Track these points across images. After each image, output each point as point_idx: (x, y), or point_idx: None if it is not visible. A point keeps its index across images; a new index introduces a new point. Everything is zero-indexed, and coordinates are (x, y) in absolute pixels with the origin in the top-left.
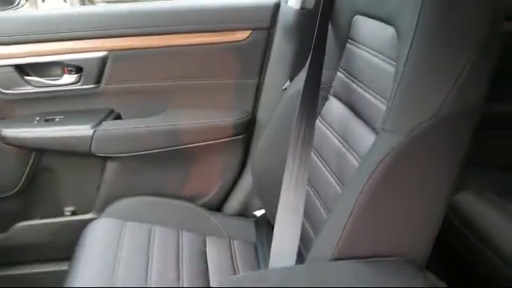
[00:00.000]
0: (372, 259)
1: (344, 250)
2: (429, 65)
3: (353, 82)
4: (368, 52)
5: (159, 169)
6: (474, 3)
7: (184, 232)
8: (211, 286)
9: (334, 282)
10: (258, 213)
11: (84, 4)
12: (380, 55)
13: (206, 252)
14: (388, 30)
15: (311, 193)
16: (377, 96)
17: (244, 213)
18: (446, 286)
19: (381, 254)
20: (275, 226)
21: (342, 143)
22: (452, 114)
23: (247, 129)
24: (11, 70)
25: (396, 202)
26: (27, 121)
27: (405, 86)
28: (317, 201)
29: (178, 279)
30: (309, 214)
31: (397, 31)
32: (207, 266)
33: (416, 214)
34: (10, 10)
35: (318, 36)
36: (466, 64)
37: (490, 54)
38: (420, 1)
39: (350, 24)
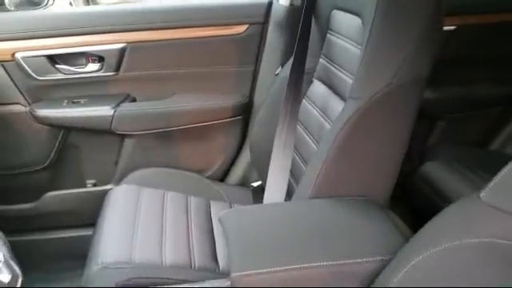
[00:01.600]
0: (341, 198)
1: (319, 191)
2: (383, 45)
3: (331, 65)
4: (342, 40)
5: (169, 145)
6: None
7: (192, 197)
8: (215, 237)
9: (308, 214)
10: (255, 184)
11: (88, 5)
12: (350, 41)
13: (210, 212)
14: (356, 21)
15: (295, 154)
16: (347, 74)
17: (243, 183)
18: (405, 225)
19: (349, 194)
20: (268, 178)
21: (321, 115)
22: (403, 84)
23: (245, 110)
24: (44, 59)
25: (359, 153)
26: (57, 103)
27: (365, 63)
28: (299, 160)
29: (188, 233)
30: (293, 169)
31: (362, 21)
32: (212, 223)
33: (376, 163)
34: (42, 9)
35: (303, 29)
36: (413, 43)
37: (433, 35)
38: None
39: (329, 17)
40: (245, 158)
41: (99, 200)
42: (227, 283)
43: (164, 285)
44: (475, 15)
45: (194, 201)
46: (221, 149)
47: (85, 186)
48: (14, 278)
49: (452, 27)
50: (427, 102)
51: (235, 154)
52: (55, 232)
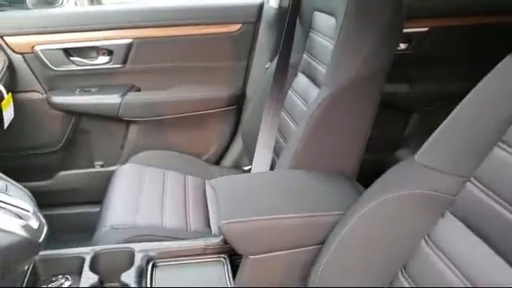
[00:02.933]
0: (314, 169)
1: (296, 163)
2: (351, 40)
3: (312, 59)
4: (321, 37)
5: (170, 130)
6: None
7: (189, 176)
8: (209, 209)
9: (285, 180)
10: (246, 168)
11: (93, 4)
12: (327, 38)
13: (205, 190)
14: (332, 20)
15: (279, 136)
16: (323, 66)
17: (236, 167)
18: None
19: (322, 165)
20: (255, 154)
21: (302, 102)
22: (367, 73)
23: (238, 101)
24: (60, 52)
25: (330, 131)
26: (70, 91)
27: (336, 55)
28: (282, 140)
29: (185, 204)
30: (277, 147)
31: (336, 20)
32: (206, 198)
33: (344, 139)
34: (58, 8)
35: (288, 28)
36: (376, 40)
37: (393, 33)
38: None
39: (311, 18)
40: (238, 144)
41: (106, 180)
42: (218, 239)
43: (163, 241)
44: (446, 18)
45: (191, 179)
46: (216, 135)
47: (93, 166)
48: (41, 226)
49: (425, 29)
50: (403, 96)
51: (229, 140)
52: (66, 208)
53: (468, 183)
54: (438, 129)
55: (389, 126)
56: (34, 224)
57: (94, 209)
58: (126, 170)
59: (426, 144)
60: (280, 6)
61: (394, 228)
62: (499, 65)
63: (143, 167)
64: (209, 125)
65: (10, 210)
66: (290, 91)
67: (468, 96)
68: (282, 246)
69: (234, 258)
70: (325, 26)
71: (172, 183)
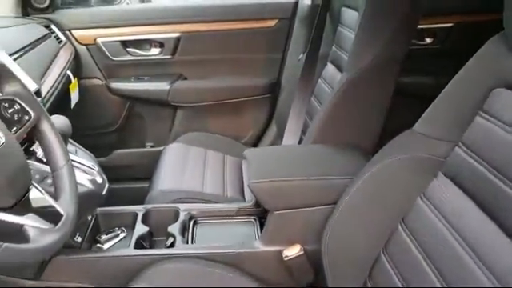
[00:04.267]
0: (333, 144)
1: (319, 139)
2: (368, 30)
3: (339, 50)
4: (347, 30)
5: (212, 115)
6: None
7: (228, 156)
8: (244, 183)
9: (307, 151)
10: None
11: (143, 2)
12: (351, 30)
13: (241, 168)
14: (355, 14)
15: (308, 119)
16: (347, 55)
17: None
18: None
19: (340, 141)
20: (285, 133)
21: (329, 89)
22: (383, 61)
23: (273, 89)
24: (118, 44)
25: (349, 111)
26: (126, 79)
27: (356, 44)
28: (308, 120)
29: (223, 176)
30: (304, 129)
31: (358, 14)
32: (242, 174)
33: (361, 119)
34: (116, 5)
35: (319, 22)
36: (391, 31)
37: (409, 24)
38: None
39: (339, 13)
40: (272, 128)
41: (155, 158)
42: (249, 204)
43: (203, 202)
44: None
45: (229, 158)
46: (253, 120)
47: (144, 146)
48: (104, 182)
49: (450, 24)
50: (429, 87)
51: (265, 124)
52: (119, 183)
53: (456, 147)
54: (433, 103)
55: (416, 115)
56: (99, 179)
57: (144, 184)
58: (173, 149)
59: (423, 116)
60: (313, 3)
61: (394, 187)
62: (482, 47)
63: (188, 146)
64: (247, 111)
65: (79, 168)
66: (320, 80)
67: (457, 74)
68: (301, 204)
69: (262, 221)
70: (350, 20)
71: (212, 160)
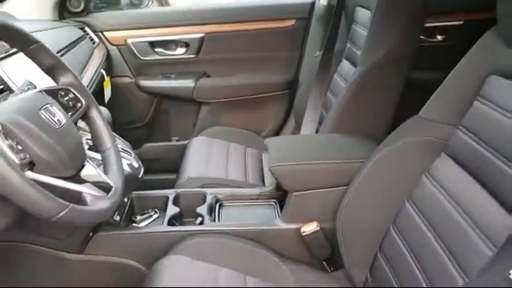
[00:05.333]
0: (347, 133)
1: (333, 129)
2: (380, 28)
3: (353, 47)
4: (360, 28)
5: (234, 110)
6: None
7: (249, 148)
8: (264, 171)
9: (323, 139)
10: None
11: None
12: (364, 28)
13: (261, 159)
14: (368, 13)
15: (323, 112)
16: (360, 50)
17: None
18: None
19: (353, 131)
20: (302, 125)
21: (344, 83)
22: (393, 56)
23: (292, 86)
24: (146, 44)
25: (361, 103)
26: (154, 77)
27: (368, 40)
28: (324, 113)
29: (245, 165)
30: (321, 121)
31: (370, 12)
32: (262, 164)
33: (373, 110)
34: (145, 8)
35: (334, 21)
36: (401, 27)
37: (417, 21)
38: None
39: (354, 12)
40: (291, 123)
41: (181, 152)
42: (270, 188)
43: (227, 187)
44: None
45: (250, 150)
46: (273, 115)
47: (170, 140)
48: (140, 166)
49: (460, 22)
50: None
51: (284, 119)
52: (148, 174)
53: (457, 130)
54: (436, 90)
55: None
56: (135, 164)
57: (170, 176)
58: (198, 141)
59: (427, 102)
60: (329, 3)
61: (401, 168)
62: (479, 40)
63: (211, 139)
64: (266, 106)
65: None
66: (335, 75)
67: (457, 64)
68: (317, 185)
69: (282, 204)
70: (363, 19)
71: (234, 152)
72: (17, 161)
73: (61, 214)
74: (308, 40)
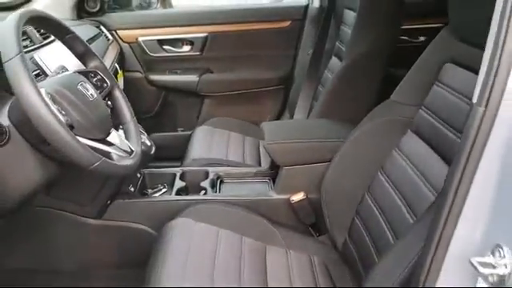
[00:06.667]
0: (334, 118)
1: (319, 114)
2: (361, 26)
3: (341, 45)
4: (347, 28)
5: (234, 103)
6: None
7: (247, 137)
8: (261, 155)
9: (311, 123)
10: None
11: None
12: (350, 27)
13: (258, 146)
14: (353, 14)
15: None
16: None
17: None
18: None
19: (338, 116)
20: (294, 112)
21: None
22: (373, 51)
23: (287, 81)
24: (155, 42)
25: (344, 91)
26: (162, 72)
27: (351, 37)
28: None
29: (243, 150)
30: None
31: (355, 13)
32: (259, 149)
33: (354, 98)
34: (154, 9)
35: (325, 22)
36: (380, 26)
37: (395, 21)
38: None
39: (342, 14)
40: (286, 115)
41: (186, 141)
42: (265, 168)
43: (227, 166)
44: None
45: (248, 138)
46: (269, 107)
47: (176, 130)
48: (152, 145)
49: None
50: None
51: (280, 111)
52: (156, 162)
53: (420, 110)
54: (404, 77)
55: None
56: (148, 142)
57: (176, 163)
58: (201, 130)
59: (397, 88)
60: (321, 6)
61: (375, 143)
62: (438, 34)
63: (213, 129)
64: (264, 99)
65: None
66: (326, 71)
67: (420, 55)
68: (304, 161)
69: (275, 181)
70: (351, 20)
71: (234, 139)
72: (63, 121)
73: (95, 165)
74: (302, 39)
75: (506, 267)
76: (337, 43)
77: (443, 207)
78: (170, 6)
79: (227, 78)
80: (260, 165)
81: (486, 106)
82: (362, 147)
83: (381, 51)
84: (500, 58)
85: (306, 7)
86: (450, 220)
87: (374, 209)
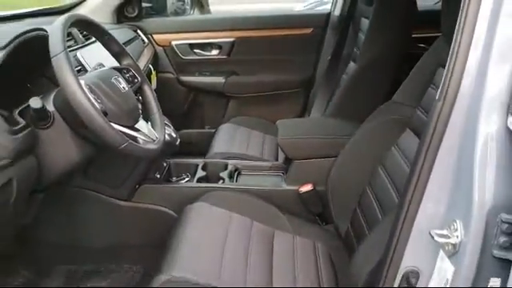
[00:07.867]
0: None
1: (334, 113)
2: (374, 32)
3: (358, 51)
4: (363, 35)
5: (258, 104)
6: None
7: (267, 135)
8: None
9: (323, 121)
10: None
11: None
12: (364, 32)
13: (277, 143)
14: (367, 21)
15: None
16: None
17: None
18: None
19: (350, 115)
20: (312, 111)
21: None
22: (385, 55)
23: (308, 84)
24: (187, 46)
25: (356, 92)
26: (192, 73)
27: (365, 42)
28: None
29: (262, 146)
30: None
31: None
32: (277, 149)
33: (365, 99)
34: (187, 16)
35: (343, 30)
36: (391, 33)
37: (407, 28)
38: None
39: (360, 22)
40: (307, 116)
41: (211, 138)
42: (280, 162)
43: (246, 160)
44: None
45: (268, 137)
46: (290, 108)
47: (203, 128)
48: (177, 136)
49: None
50: None
51: (300, 113)
52: (184, 157)
53: (417, 110)
54: (404, 81)
55: None
56: (174, 134)
57: (200, 157)
58: (225, 127)
59: (398, 90)
60: (342, 14)
61: (375, 141)
62: (434, 43)
63: (236, 126)
64: (286, 101)
65: None
66: (343, 75)
67: (418, 61)
68: (313, 155)
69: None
70: (365, 27)
71: (255, 137)
72: (99, 108)
73: (123, 146)
74: (324, 45)
75: (458, 237)
76: (354, 49)
77: (408, 189)
78: (209, 12)
79: (252, 80)
80: (277, 158)
81: (444, 100)
82: (365, 144)
83: (391, 56)
84: (456, 59)
85: (328, 15)
86: (414, 198)
87: (373, 200)
